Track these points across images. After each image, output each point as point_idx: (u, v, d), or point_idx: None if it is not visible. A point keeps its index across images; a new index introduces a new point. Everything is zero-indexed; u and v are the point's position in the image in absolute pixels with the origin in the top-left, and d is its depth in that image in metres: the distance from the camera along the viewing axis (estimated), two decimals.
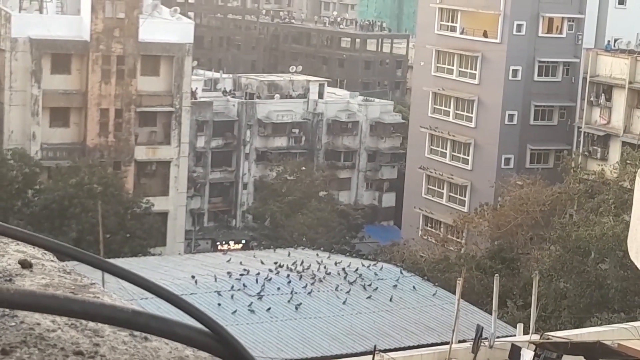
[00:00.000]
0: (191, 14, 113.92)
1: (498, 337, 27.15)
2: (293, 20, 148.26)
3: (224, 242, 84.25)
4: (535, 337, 26.56)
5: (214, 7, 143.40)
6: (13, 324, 1.94)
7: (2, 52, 55.90)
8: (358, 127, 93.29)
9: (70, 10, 59.48)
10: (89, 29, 56.19)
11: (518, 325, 30.26)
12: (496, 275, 31.95)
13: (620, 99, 71.38)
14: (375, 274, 39.31)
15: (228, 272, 37.29)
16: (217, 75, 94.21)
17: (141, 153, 58.57)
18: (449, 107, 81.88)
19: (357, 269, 39.42)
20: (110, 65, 56.65)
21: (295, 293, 36.15)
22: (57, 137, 56.66)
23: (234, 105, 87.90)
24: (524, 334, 28.21)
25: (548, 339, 26.18)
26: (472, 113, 79.86)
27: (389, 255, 60.73)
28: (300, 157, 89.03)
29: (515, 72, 77.19)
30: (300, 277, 37.87)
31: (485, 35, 78.63)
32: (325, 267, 39.25)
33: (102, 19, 56.42)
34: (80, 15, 57.13)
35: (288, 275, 37.64)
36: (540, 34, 77.33)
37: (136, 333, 1.98)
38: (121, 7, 56.83)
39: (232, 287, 35.83)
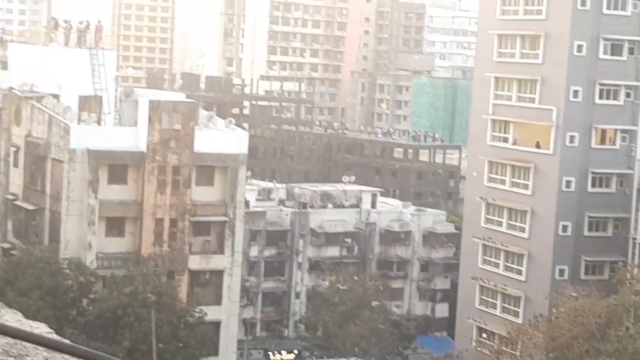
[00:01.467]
0: (246, 124, 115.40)
1: None
2: (346, 131, 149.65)
3: (276, 352, 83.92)
4: None
5: (269, 118, 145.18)
6: None
7: (60, 163, 56.90)
8: (411, 237, 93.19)
9: (128, 121, 60.59)
10: (146, 140, 57.10)
11: None
12: None
13: None
14: None
15: None
16: (270, 185, 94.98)
17: (195, 262, 58.89)
18: (502, 218, 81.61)
19: None
20: (165, 175, 57.36)
21: None
22: (112, 247, 57.20)
23: (287, 214, 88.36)
24: None
25: None
26: (525, 224, 79.50)
27: None
28: (353, 267, 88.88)
29: (568, 183, 76.98)
30: None
31: (537, 146, 78.70)
32: None
33: (159, 130, 57.32)
34: (137, 127, 58.11)
35: None
36: (593, 146, 77.26)
37: None
38: (177, 119, 57.74)
39: None
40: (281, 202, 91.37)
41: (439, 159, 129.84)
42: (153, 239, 57.53)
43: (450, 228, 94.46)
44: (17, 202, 60.43)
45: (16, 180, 61.07)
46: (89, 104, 59.61)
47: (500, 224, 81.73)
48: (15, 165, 61.27)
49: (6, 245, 60.79)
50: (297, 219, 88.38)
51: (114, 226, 57.72)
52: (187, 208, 58.10)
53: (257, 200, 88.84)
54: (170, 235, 57.83)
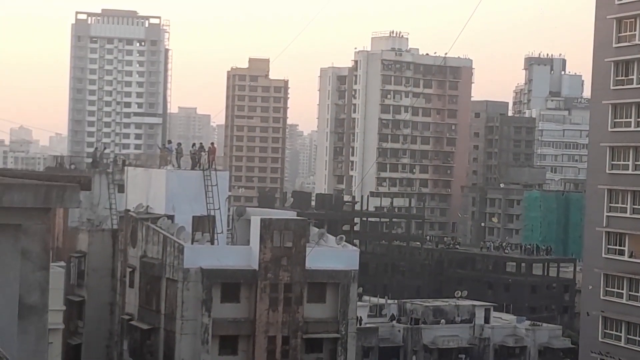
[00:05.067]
0: (356, 241, 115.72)
1: None
2: (458, 246, 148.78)
3: None
4: None
5: (379, 234, 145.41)
6: None
7: (174, 282, 57.72)
8: (526, 352, 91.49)
9: (240, 240, 61.35)
10: (258, 258, 57.68)
11: None
12: None
13: None
14: None
15: None
16: (382, 301, 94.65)
17: None
18: (621, 332, 79.75)
19: None
20: (277, 293, 57.70)
21: None
22: None
23: (399, 330, 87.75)
24: None
25: None
26: None
27: None
28: None
29: None
30: None
31: None
32: None
33: (271, 249, 57.88)
34: (250, 246, 58.80)
35: None
36: None
37: None
38: (289, 237, 58.27)
39: None
40: (393, 318, 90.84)
41: (552, 272, 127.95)
42: (266, 357, 57.62)
43: (566, 343, 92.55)
44: (133, 322, 61.25)
45: (132, 301, 62.00)
46: (202, 224, 60.64)
47: (619, 338, 79.82)
48: (131, 285, 62.28)
49: None
50: (409, 334, 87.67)
51: (227, 344, 58.04)
52: (300, 325, 58.19)
53: (369, 316, 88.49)
54: (282, 352, 57.88)
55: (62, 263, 59.25)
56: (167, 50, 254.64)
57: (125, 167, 69.49)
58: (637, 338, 78.28)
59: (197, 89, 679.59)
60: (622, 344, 79.29)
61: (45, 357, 11.96)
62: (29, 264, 11.57)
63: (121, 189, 67.54)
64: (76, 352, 64.06)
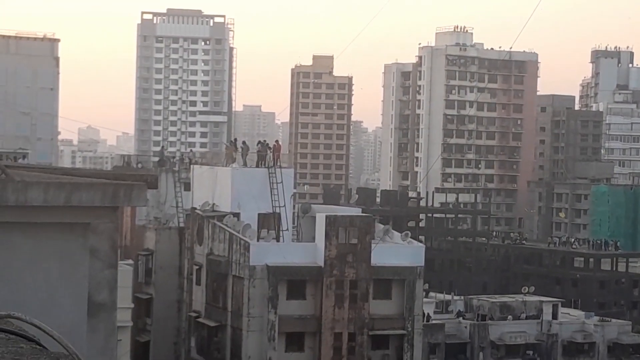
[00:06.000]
0: (422, 237, 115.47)
1: None
2: (524, 242, 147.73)
3: None
4: None
5: (445, 230, 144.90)
6: None
7: (241, 279, 58.06)
8: (595, 349, 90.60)
9: (306, 237, 61.57)
10: (323, 255, 57.81)
11: None
12: None
13: None
14: None
15: None
16: (448, 297, 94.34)
17: None
18: None
19: None
20: (343, 289, 57.78)
21: None
22: None
23: (465, 327, 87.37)
24: None
25: None
26: None
27: None
28: None
29: None
30: None
31: None
32: None
33: (336, 245, 57.98)
34: (315, 242, 58.95)
35: None
36: None
37: None
38: (354, 233, 58.34)
39: None
40: (459, 314, 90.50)
41: (621, 267, 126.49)
42: (332, 354, 57.76)
43: (636, 339, 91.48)
44: (200, 319, 61.74)
45: (199, 298, 62.49)
46: (268, 221, 60.96)
47: None
48: (198, 283, 62.78)
49: None
50: (476, 331, 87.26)
51: (294, 341, 58.28)
52: (365, 322, 58.24)
53: (435, 312, 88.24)
54: (349, 349, 57.98)
55: (130, 261, 59.93)
56: (231, 49, 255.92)
57: (191, 166, 70.07)
58: None
59: (261, 87, 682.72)
60: None
61: (115, 354, 12.17)
62: (97, 262, 11.78)
63: (187, 187, 68.13)
64: (145, 349, 64.76)
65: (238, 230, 59.43)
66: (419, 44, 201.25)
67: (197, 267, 62.90)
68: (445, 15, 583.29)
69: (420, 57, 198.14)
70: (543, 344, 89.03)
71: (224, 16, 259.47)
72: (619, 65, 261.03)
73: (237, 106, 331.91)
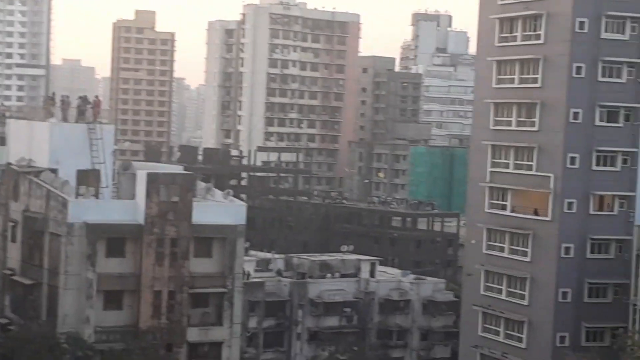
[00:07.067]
0: (244, 196, 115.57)
1: None
2: (344, 201, 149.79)
3: None
4: None
5: (266, 189, 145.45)
6: None
7: (58, 237, 56.81)
8: (410, 306, 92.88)
9: (126, 195, 60.61)
10: (144, 213, 57.09)
11: None
12: None
13: None
14: None
15: None
16: (269, 255, 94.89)
17: (193, 335, 58.50)
18: (502, 285, 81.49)
19: None
20: (164, 248, 57.22)
21: None
22: (110, 320, 56.87)
23: (285, 285, 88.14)
24: None
25: None
26: (525, 291, 79.34)
27: None
28: (352, 337, 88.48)
29: (567, 249, 76.96)
30: None
31: (536, 213, 78.81)
32: None
33: (157, 203, 57.30)
34: (136, 200, 58.14)
35: None
36: (591, 212, 77.32)
37: None
38: (175, 191, 57.78)
39: None
40: (279, 272, 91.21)
41: (437, 227, 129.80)
42: (151, 312, 57.23)
43: (449, 296, 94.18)
44: (15, 277, 60.19)
45: (14, 255, 60.91)
46: (87, 178, 59.65)
47: (500, 291, 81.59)
48: (13, 240, 61.14)
49: (4, 321, 60.44)
50: (295, 289, 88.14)
51: (112, 299, 57.44)
52: (186, 280, 57.90)
53: (256, 271, 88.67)
54: (168, 307, 57.54)
55: None
56: (50, 0, 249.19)
57: (7, 120, 68.02)
58: (517, 291, 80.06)
59: (82, 42, 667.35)
60: (503, 297, 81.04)
61: None
62: None
63: (3, 141, 66.12)
64: None
65: (56, 186, 58.06)
66: (243, 1, 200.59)
67: (12, 224, 61.25)
68: None
69: (244, 15, 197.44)
70: (361, 302, 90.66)
71: None
72: (438, 28, 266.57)
73: (56, 60, 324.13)
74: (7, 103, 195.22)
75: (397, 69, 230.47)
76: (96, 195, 58.97)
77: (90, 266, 56.14)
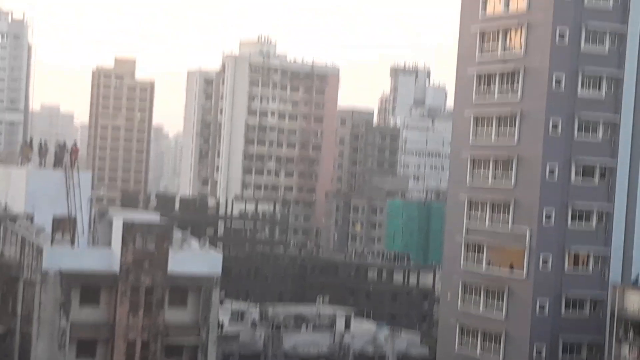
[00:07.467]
0: (220, 245, 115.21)
1: None
2: (319, 252, 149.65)
3: None
4: None
5: (243, 239, 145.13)
6: None
7: (32, 284, 56.44)
8: None
9: (102, 242, 60.30)
10: (119, 261, 56.81)
11: None
12: None
13: None
14: None
15: None
16: (244, 306, 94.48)
17: None
18: (477, 339, 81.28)
19: None
20: (138, 296, 56.88)
21: None
22: None
23: (260, 336, 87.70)
24: None
25: None
26: (499, 346, 79.13)
27: None
28: None
29: (542, 306, 76.84)
30: None
31: (511, 266, 78.82)
32: None
33: (133, 251, 57.06)
34: (111, 248, 57.88)
35: None
36: (566, 269, 77.41)
37: None
38: (151, 240, 57.54)
39: None
40: (254, 323, 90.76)
41: (413, 280, 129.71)
42: None
43: (424, 351, 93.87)
44: None
45: None
46: (63, 225, 59.37)
47: (475, 345, 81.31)
48: None
49: None
50: (270, 340, 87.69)
51: (86, 349, 56.95)
52: (160, 330, 57.51)
53: (231, 321, 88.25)
54: (141, 357, 57.10)
55: None
56: (30, 47, 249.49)
57: None
58: (492, 345, 79.85)
59: (61, 88, 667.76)
60: (477, 354, 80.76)
61: None
62: None
63: None
64: None
65: (31, 233, 57.76)
66: (223, 52, 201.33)
67: None
68: (250, 25, 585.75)
69: (224, 65, 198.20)
70: (335, 355, 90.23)
71: (23, 13, 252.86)
72: (417, 82, 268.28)
73: (35, 105, 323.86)
74: None
75: (375, 120, 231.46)
76: (72, 243, 58.68)
77: (64, 314, 55.73)
